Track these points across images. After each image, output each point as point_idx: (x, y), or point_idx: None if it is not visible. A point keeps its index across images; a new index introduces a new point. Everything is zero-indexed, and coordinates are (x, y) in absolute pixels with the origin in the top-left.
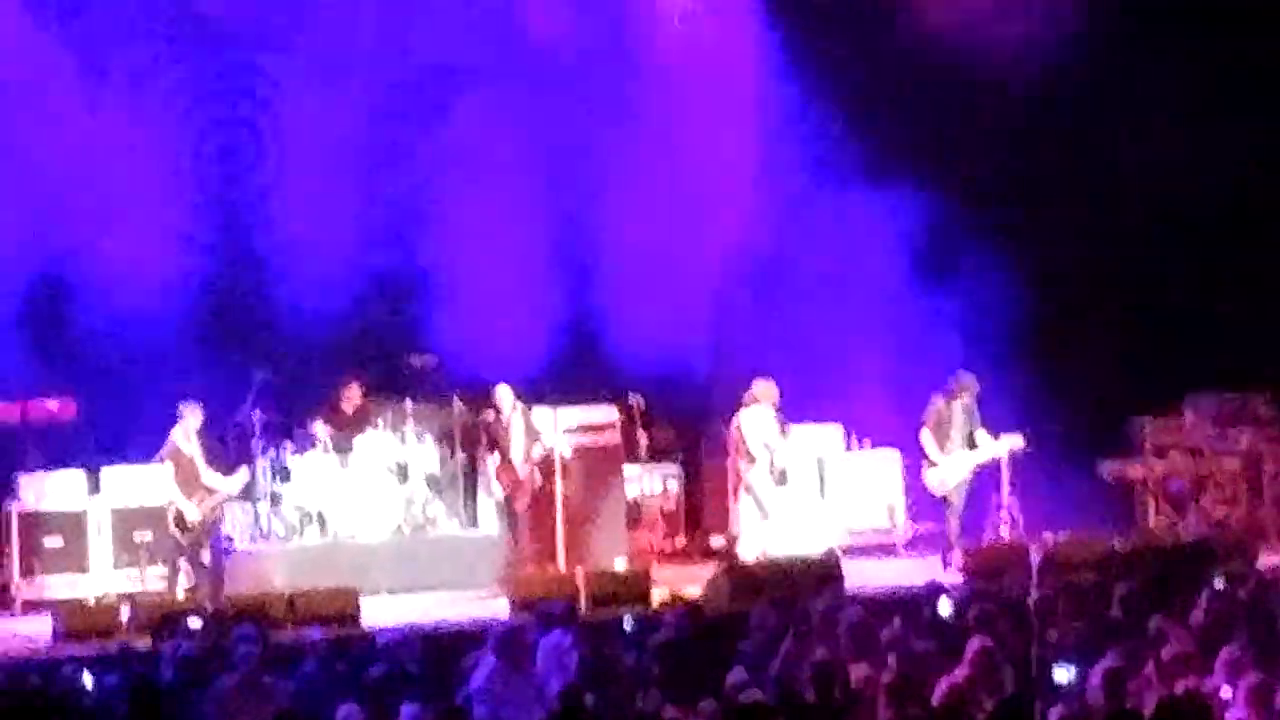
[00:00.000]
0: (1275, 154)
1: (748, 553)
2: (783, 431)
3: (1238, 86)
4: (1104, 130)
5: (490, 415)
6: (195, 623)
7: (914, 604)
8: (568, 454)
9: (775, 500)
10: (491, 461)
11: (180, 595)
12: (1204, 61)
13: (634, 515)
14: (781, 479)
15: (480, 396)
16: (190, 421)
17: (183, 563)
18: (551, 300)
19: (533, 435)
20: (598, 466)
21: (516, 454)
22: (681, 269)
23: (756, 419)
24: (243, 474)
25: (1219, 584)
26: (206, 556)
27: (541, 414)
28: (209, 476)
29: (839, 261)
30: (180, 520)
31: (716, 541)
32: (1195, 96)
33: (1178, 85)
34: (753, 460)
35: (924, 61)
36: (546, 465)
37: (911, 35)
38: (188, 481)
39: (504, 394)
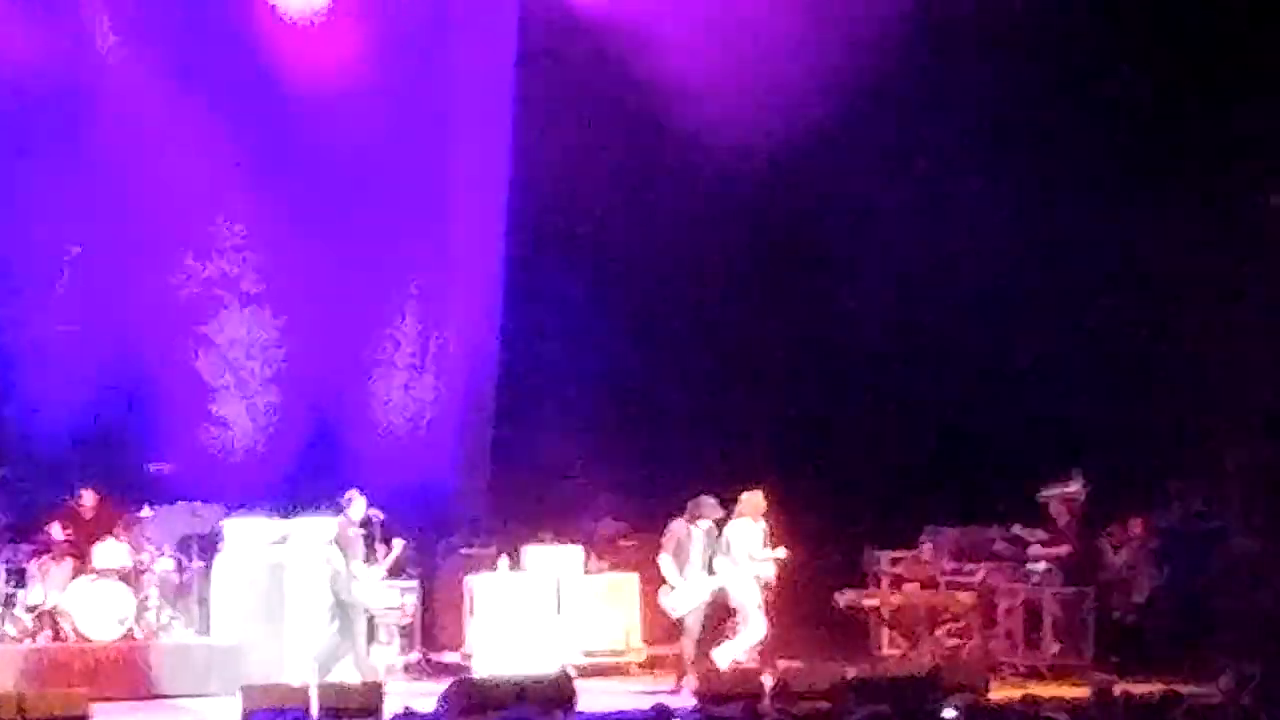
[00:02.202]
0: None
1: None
2: (767, 543)
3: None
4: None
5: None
6: None
7: None
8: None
9: (757, 609)
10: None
11: None
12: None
13: (372, 629)
14: (766, 589)
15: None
16: None
17: None
18: (291, 411)
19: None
20: (336, 579)
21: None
22: (424, 381)
23: (742, 531)
24: None
25: (950, 714)
26: None
27: (276, 525)
28: None
29: (577, 384)
30: None
31: (450, 656)
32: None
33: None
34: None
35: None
36: (277, 576)
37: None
38: None
39: (362, 502)
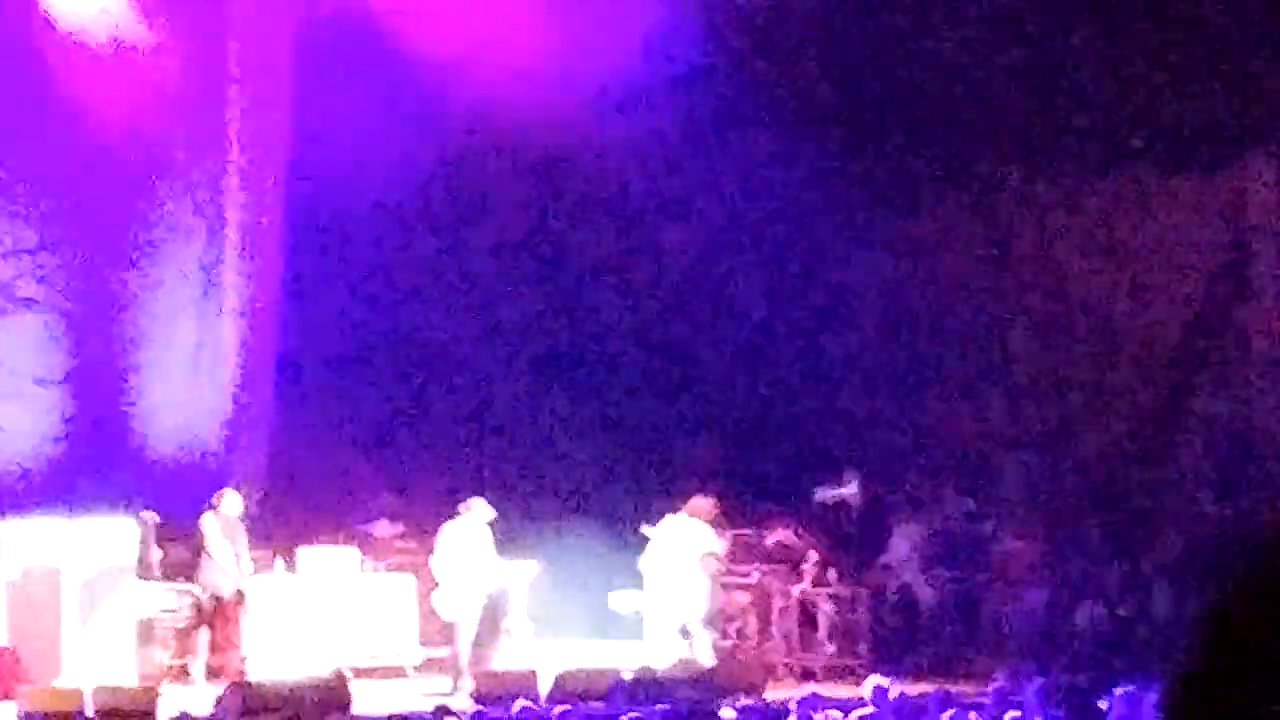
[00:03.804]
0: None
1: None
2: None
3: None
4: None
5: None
6: None
7: None
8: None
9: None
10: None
11: None
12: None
13: (145, 632)
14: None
15: None
16: None
17: None
18: (67, 414)
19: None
20: (109, 582)
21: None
22: (200, 383)
23: (691, 532)
24: None
25: (724, 716)
26: None
27: (53, 525)
28: None
29: (354, 386)
30: None
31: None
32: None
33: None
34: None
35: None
36: (51, 579)
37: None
38: None
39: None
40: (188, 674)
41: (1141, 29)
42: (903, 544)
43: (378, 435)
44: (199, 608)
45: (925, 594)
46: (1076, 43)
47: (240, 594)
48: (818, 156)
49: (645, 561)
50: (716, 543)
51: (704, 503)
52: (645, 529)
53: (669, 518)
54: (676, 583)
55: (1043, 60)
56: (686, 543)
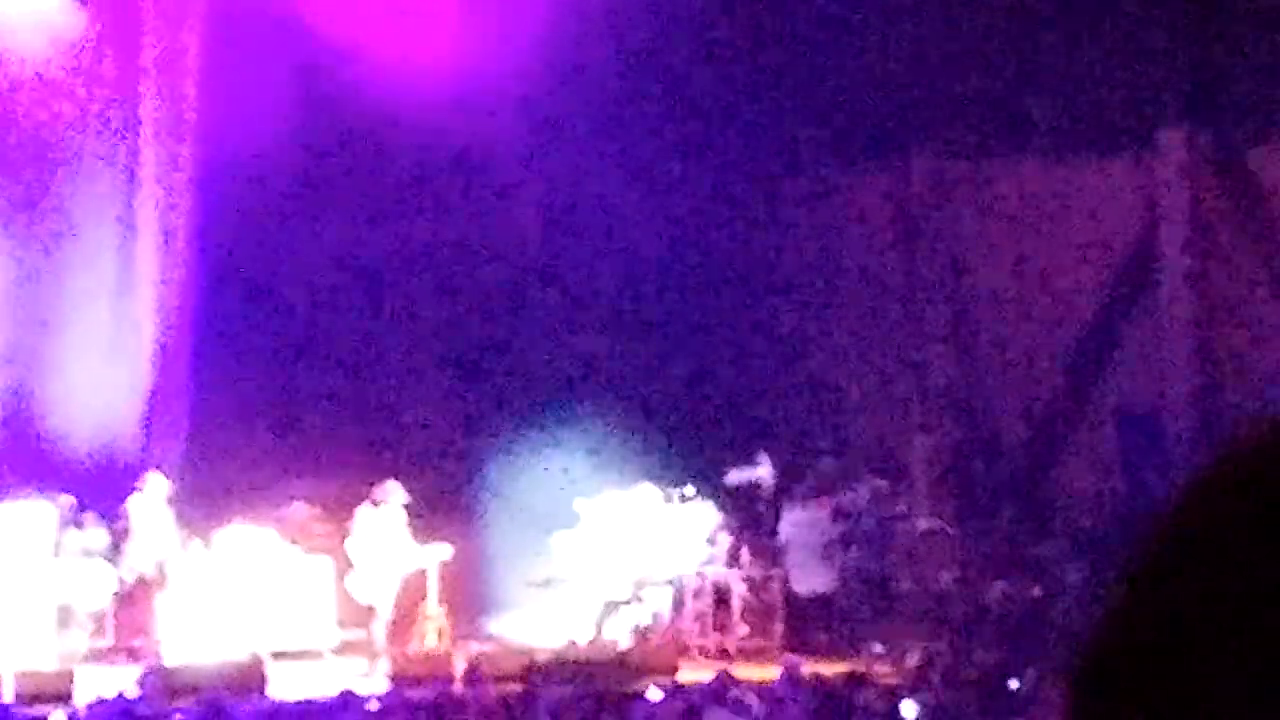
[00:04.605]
0: None
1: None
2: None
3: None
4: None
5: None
6: None
7: (335, 710)
8: None
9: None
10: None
11: None
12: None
13: (64, 616)
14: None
15: None
16: None
17: None
18: None
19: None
20: (26, 566)
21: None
22: (117, 366)
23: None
24: None
25: (650, 697)
26: None
27: None
28: None
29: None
30: None
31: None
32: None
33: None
34: None
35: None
36: None
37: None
38: None
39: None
40: (106, 656)
41: (1049, 6)
42: (785, 529)
43: (294, 418)
44: (120, 590)
45: (804, 578)
46: (985, 21)
47: (163, 576)
48: (725, 139)
49: (568, 540)
50: (659, 528)
51: (650, 488)
52: (578, 505)
53: (603, 497)
54: (601, 562)
55: (951, 39)
56: (620, 524)
